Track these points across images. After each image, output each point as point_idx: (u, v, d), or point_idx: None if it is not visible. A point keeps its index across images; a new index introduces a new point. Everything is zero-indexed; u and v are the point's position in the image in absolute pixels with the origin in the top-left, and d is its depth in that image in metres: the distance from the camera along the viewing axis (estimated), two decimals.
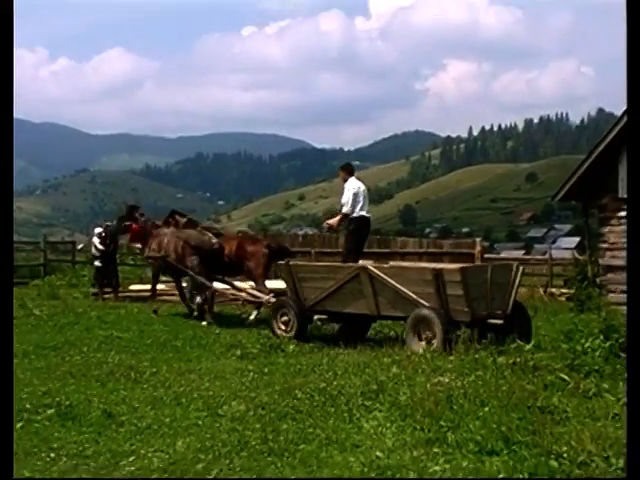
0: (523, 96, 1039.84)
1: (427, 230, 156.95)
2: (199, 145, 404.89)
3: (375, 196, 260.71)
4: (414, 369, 9.76)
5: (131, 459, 6.16)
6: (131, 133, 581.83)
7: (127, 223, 18.50)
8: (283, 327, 14.23)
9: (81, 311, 15.92)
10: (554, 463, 5.91)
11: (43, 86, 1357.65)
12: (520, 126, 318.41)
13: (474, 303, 12.57)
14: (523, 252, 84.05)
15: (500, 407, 7.46)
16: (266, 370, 10.00)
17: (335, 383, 8.91)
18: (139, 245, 19.17)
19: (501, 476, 4.36)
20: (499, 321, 12.71)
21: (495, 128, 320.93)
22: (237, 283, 17.04)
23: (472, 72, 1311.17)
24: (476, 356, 10.25)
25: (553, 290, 23.04)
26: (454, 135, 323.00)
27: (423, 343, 12.27)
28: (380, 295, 13.43)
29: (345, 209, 14.97)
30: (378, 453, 6.31)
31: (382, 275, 13.44)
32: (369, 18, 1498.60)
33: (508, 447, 6.27)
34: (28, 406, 7.66)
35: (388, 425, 7.15)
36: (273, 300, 15.44)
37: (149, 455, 6.25)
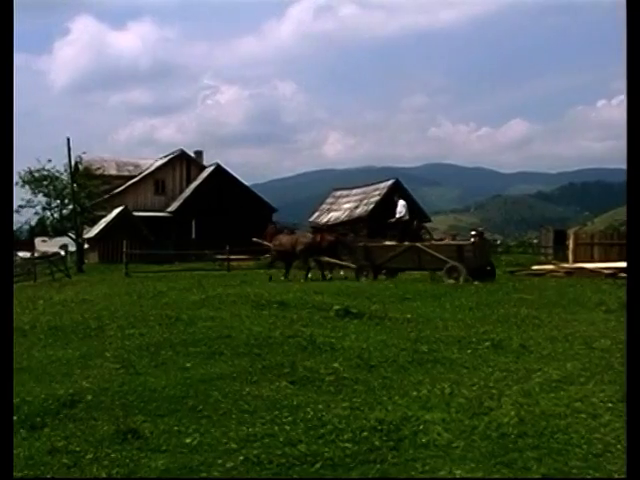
0: None
1: None
2: (571, 177, 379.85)
3: None
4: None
5: (538, 374, 5.88)
6: (526, 171, 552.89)
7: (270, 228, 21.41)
8: (365, 277, 17.00)
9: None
10: None
11: (470, 146, 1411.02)
12: None
13: (477, 259, 15.90)
14: None
15: None
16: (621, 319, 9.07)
17: None
18: (267, 242, 20.35)
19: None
20: (489, 267, 16.48)
21: None
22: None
23: None
24: None
25: None
26: None
27: (452, 280, 14.95)
28: (422, 258, 16.18)
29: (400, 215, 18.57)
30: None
31: (425, 248, 16.33)
32: None
33: None
34: (474, 340, 7.55)
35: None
36: (353, 265, 18.17)
37: (550, 372, 5.92)
